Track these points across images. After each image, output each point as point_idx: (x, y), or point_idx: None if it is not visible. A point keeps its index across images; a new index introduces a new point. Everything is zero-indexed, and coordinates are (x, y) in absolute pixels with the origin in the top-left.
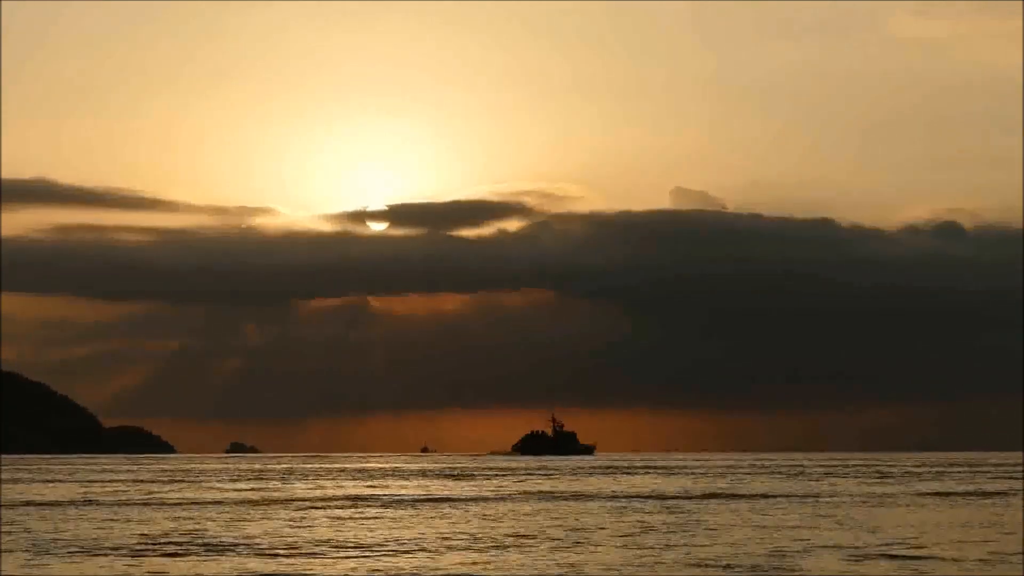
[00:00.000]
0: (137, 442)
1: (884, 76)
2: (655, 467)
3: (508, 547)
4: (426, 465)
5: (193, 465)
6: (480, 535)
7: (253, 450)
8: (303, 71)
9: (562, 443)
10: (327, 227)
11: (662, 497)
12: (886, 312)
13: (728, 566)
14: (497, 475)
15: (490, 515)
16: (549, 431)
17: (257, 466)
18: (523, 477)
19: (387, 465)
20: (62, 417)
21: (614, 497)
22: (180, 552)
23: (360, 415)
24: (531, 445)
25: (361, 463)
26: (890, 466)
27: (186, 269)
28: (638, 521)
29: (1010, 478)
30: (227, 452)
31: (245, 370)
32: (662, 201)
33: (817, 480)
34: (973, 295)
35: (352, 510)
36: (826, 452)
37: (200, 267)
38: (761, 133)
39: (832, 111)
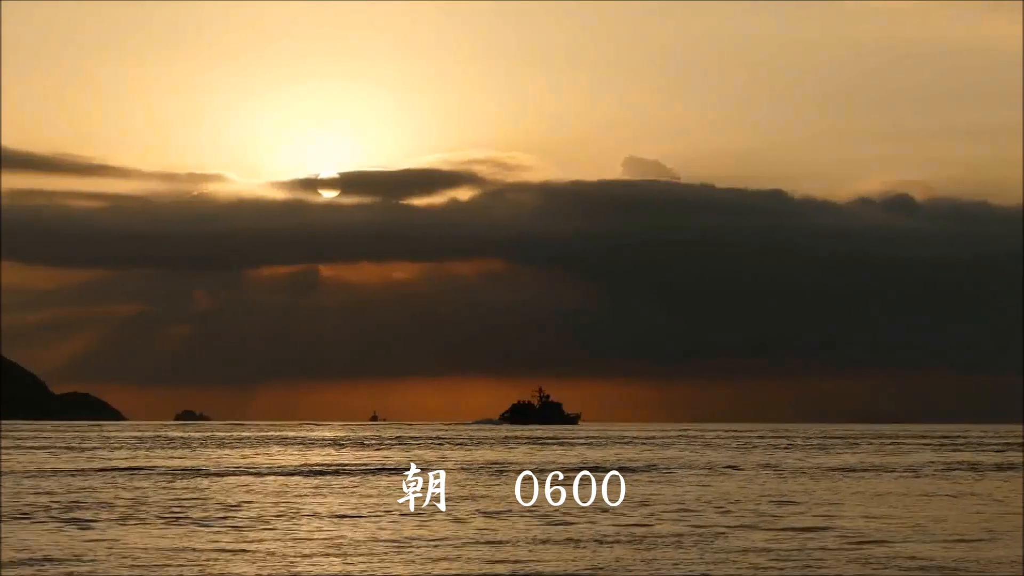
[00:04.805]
0: (85, 409)
1: (839, 47)
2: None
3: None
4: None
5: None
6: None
7: (203, 417)
8: (254, 36)
9: (547, 413)
10: (278, 194)
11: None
12: (841, 283)
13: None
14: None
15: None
16: (535, 401)
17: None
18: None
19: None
20: (11, 383)
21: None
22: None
23: (312, 383)
24: (517, 414)
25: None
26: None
27: (136, 235)
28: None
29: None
30: (177, 419)
31: (195, 337)
32: (615, 171)
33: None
34: (924, 267)
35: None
36: (785, 423)
37: (150, 233)
38: (715, 103)
39: (785, 82)
